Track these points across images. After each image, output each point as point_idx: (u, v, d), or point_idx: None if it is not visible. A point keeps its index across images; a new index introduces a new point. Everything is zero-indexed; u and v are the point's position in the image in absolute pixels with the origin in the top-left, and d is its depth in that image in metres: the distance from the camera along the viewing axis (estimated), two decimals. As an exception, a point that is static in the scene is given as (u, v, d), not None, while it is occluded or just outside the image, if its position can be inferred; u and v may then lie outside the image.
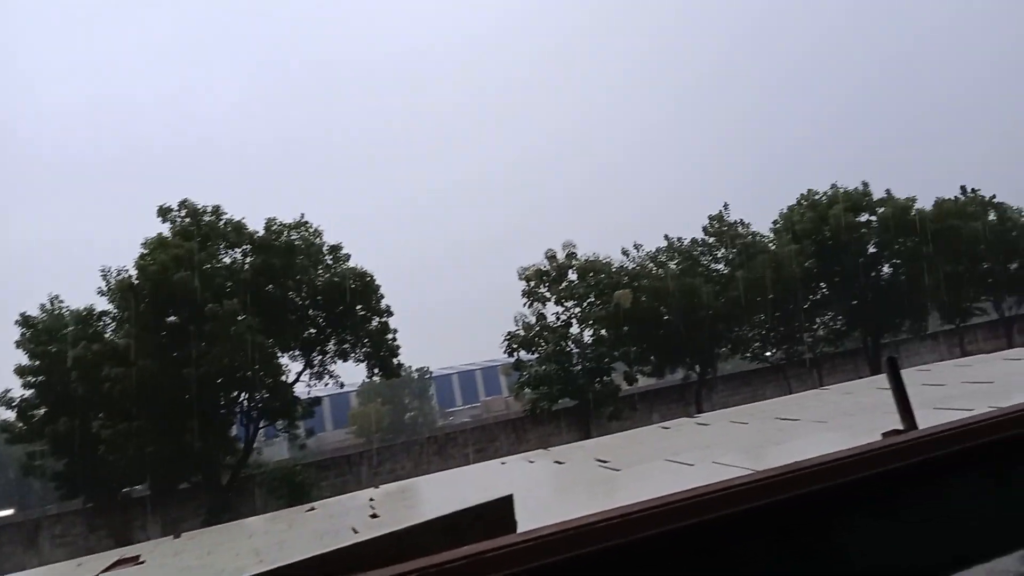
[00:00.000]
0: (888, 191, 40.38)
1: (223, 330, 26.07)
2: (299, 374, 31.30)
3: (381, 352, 31.71)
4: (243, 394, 29.32)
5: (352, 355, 32.03)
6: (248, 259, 29.28)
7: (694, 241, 38.82)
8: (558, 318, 36.01)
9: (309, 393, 31.78)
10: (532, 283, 35.73)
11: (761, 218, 40.00)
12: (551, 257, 36.02)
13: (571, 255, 36.17)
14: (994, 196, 43.61)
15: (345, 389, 43.02)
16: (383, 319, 31.86)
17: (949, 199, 42.34)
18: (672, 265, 37.91)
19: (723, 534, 1.98)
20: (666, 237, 38.91)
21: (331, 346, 31.88)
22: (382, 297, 31.71)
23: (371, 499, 9.28)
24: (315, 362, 31.80)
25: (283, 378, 29.88)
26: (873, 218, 39.57)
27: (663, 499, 2.04)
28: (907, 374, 3.36)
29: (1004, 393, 7.23)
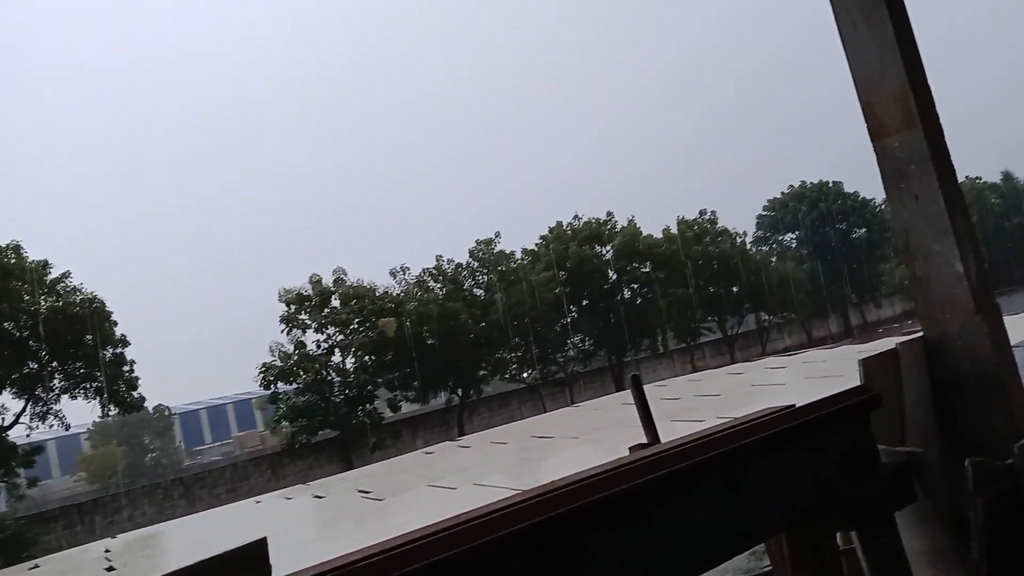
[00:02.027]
0: (632, 219, 44.15)
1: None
2: (18, 415, 27.61)
3: (116, 386, 28.85)
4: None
5: (82, 391, 28.81)
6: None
7: (459, 265, 39.67)
8: (319, 346, 35.00)
9: (29, 436, 28.12)
10: (292, 308, 34.45)
11: (517, 240, 42.82)
12: (316, 282, 35.02)
13: (339, 280, 35.42)
14: (722, 223, 49.20)
15: (74, 431, 38.60)
16: (118, 350, 29.05)
17: (688, 221, 47.31)
18: (437, 289, 38.48)
19: (486, 560, 1.96)
20: (437, 258, 39.51)
21: (56, 382, 28.47)
22: (116, 324, 28.94)
23: (107, 551, 8.33)
24: (37, 401, 28.20)
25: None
26: (609, 247, 43.00)
27: (426, 530, 1.98)
28: (647, 389, 3.59)
29: (729, 404, 8.05)
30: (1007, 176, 68.40)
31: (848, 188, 60.86)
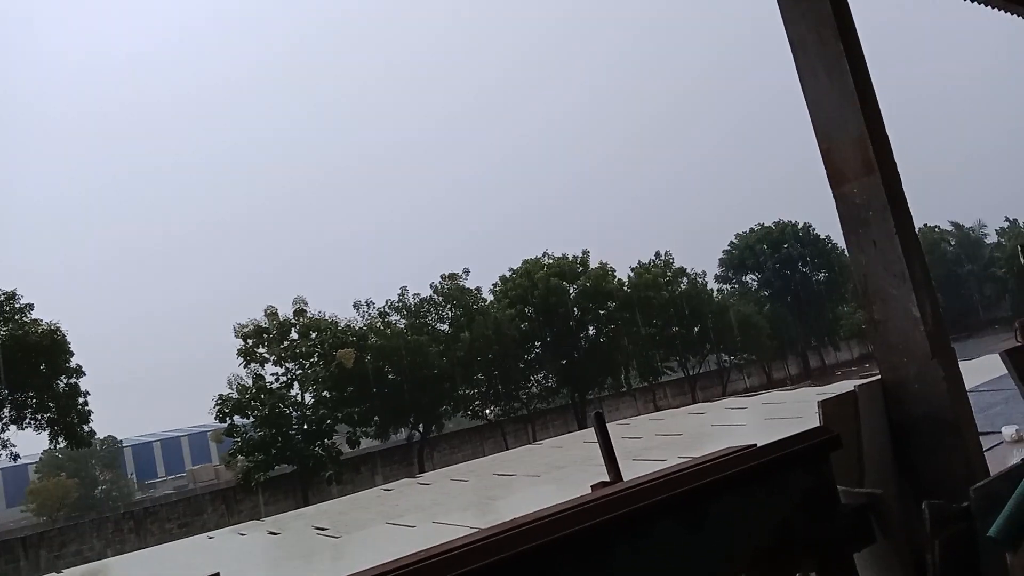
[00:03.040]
0: (603, 262, 44.47)
1: None
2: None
3: (69, 417, 28.06)
4: None
5: (33, 421, 27.99)
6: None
7: (424, 300, 39.54)
8: (278, 379, 34.45)
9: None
10: (250, 342, 33.92)
11: (487, 279, 43.27)
12: (271, 314, 34.55)
13: (300, 311, 35.01)
14: (678, 264, 49.81)
15: (22, 461, 37.42)
16: (72, 380, 28.33)
17: (645, 264, 47.80)
18: (400, 324, 38.23)
19: (444, 600, 1.92)
20: (401, 291, 39.36)
21: (6, 411, 27.63)
22: (72, 355, 28.25)
23: (48, 589, 8.06)
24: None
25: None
26: (575, 285, 43.18)
27: (383, 567, 1.94)
28: (609, 428, 3.59)
29: (691, 443, 8.07)
30: (957, 227, 70.48)
31: (812, 231, 62.02)
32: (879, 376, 3.58)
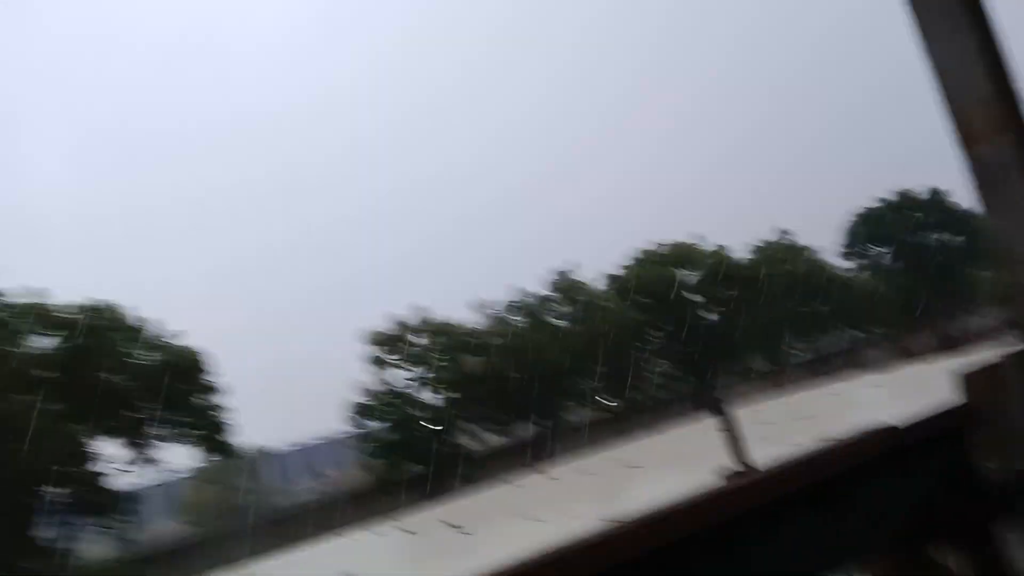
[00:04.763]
0: (721, 246, 43.48)
1: (20, 423, 23.71)
2: (123, 463, 28.99)
3: (213, 432, 29.98)
4: (47, 489, 26.55)
5: (182, 438, 30.05)
6: (55, 344, 26.90)
7: (542, 299, 39.95)
8: (407, 383, 35.63)
9: (134, 482, 29.47)
10: (380, 348, 35.21)
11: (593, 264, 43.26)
12: (400, 322, 35.77)
13: (425, 320, 36.13)
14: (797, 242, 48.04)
15: (175, 475, 40.16)
16: (214, 397, 30.23)
17: (769, 242, 46.45)
18: (520, 322, 38.77)
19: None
20: (522, 292, 39.96)
21: (157, 430, 29.77)
22: (211, 374, 30.15)
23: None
24: (140, 448, 29.53)
25: (95, 468, 27.58)
26: (695, 271, 42.38)
27: (519, 565, 1.98)
28: (738, 414, 3.54)
29: (824, 425, 7.79)
30: None
31: (943, 196, 58.50)
32: (1025, 345, 3.37)
